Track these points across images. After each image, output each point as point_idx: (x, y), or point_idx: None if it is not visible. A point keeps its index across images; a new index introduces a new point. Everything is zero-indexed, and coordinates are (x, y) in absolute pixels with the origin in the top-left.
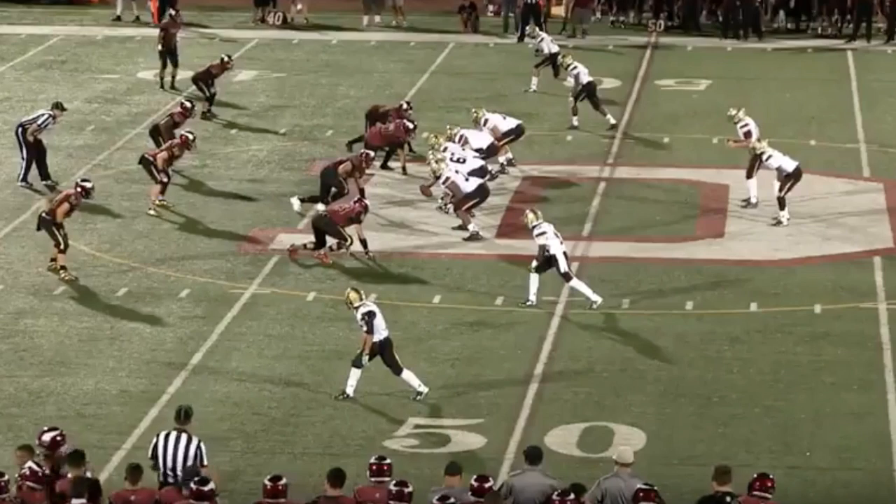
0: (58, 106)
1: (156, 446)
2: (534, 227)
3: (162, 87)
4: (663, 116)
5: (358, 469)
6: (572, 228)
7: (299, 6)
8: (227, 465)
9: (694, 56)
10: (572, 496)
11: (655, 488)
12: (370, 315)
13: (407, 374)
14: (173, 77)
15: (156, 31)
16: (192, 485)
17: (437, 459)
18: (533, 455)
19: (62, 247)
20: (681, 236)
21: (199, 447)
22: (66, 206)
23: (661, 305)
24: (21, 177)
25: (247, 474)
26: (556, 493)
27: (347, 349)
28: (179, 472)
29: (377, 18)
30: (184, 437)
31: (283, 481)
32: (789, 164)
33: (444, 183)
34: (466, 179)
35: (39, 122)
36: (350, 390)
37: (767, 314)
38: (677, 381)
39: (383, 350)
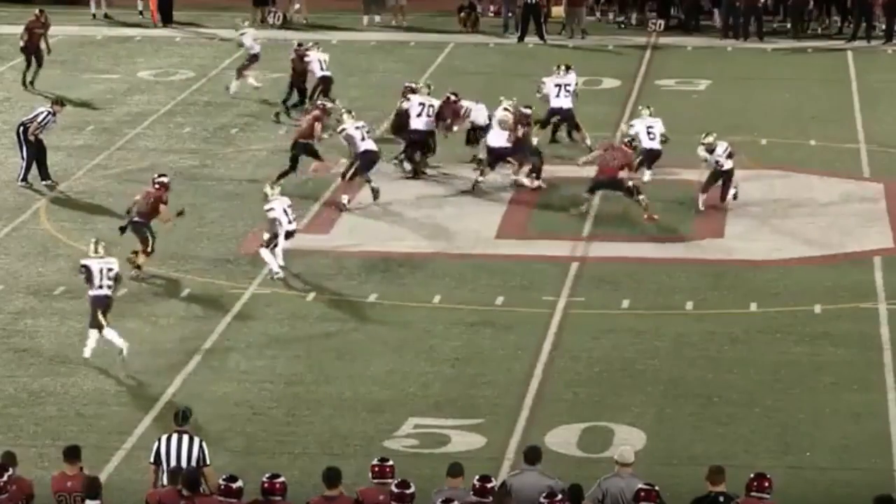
0: (58, 101)
1: (158, 450)
2: (267, 201)
3: (24, 85)
4: (663, 116)
5: (358, 469)
6: (572, 229)
7: (297, 6)
8: (227, 465)
9: (694, 56)
10: (559, 497)
11: (656, 488)
12: (84, 268)
13: (108, 332)
14: (34, 75)
15: (156, 32)
16: (221, 482)
17: (437, 460)
18: (531, 455)
19: (149, 249)
20: (681, 236)
21: (201, 447)
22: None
23: (660, 305)
24: (21, 177)
25: (247, 474)
26: (542, 495)
27: (347, 349)
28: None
29: (377, 18)
30: (185, 438)
31: (282, 479)
32: (647, 143)
33: (340, 132)
34: (363, 139)
35: (40, 119)
36: (87, 352)
37: (767, 314)
38: (677, 381)
39: (104, 307)
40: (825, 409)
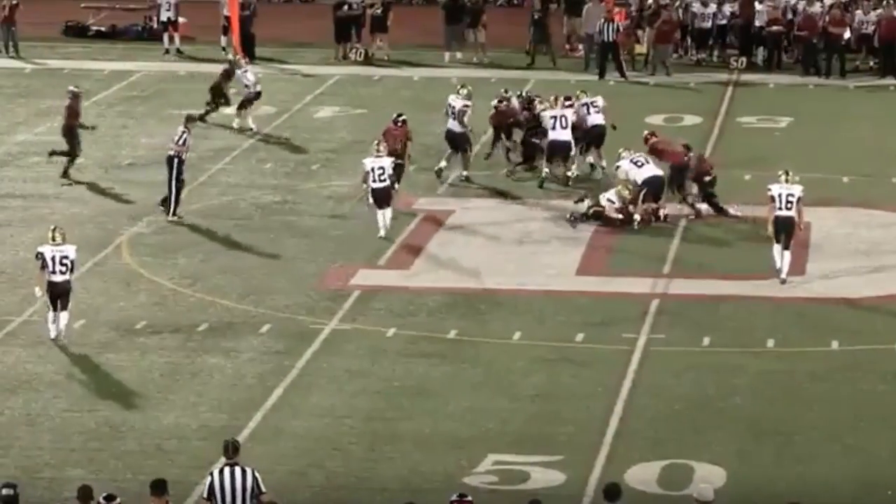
0: (189, 119)
1: (212, 484)
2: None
3: (203, 119)
4: (744, 154)
5: None
6: (653, 265)
7: (379, 42)
8: (307, 501)
9: (776, 93)
10: None
11: None
12: (38, 255)
13: (51, 315)
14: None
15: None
16: None
17: (517, 496)
18: (612, 492)
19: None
20: (761, 274)
21: (254, 477)
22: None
23: (741, 343)
24: (171, 210)
25: None
26: None
27: (428, 385)
28: None
29: (458, 55)
30: (237, 470)
31: None
32: (639, 175)
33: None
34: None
35: (178, 140)
36: (52, 332)
37: (848, 352)
38: (758, 419)
39: (58, 292)
40: None
